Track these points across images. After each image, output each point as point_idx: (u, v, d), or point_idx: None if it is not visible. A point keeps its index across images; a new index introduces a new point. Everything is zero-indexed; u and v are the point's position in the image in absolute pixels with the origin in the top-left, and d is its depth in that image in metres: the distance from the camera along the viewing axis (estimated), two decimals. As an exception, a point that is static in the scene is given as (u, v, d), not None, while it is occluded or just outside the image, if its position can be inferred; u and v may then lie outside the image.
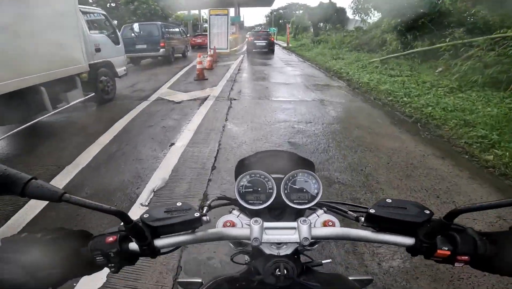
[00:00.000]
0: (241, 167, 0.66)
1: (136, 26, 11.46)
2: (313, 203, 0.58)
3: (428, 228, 0.44)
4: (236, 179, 0.60)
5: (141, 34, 11.25)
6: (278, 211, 0.60)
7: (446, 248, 0.43)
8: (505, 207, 0.37)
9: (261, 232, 0.46)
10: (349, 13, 21.92)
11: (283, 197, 0.58)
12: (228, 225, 0.54)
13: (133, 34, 11.16)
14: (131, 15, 19.97)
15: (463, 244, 0.43)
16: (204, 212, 0.55)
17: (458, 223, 0.44)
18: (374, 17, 17.87)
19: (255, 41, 16.38)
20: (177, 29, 13.99)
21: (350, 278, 0.62)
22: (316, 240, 0.59)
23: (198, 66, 7.97)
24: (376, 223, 0.47)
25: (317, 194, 0.58)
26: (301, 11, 43.94)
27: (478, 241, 0.43)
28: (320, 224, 0.55)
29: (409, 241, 0.46)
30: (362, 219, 0.50)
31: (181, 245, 0.48)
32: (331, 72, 9.37)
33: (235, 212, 0.57)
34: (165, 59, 11.90)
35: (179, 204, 0.48)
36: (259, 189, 0.59)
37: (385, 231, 0.47)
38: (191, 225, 0.47)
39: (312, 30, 28.71)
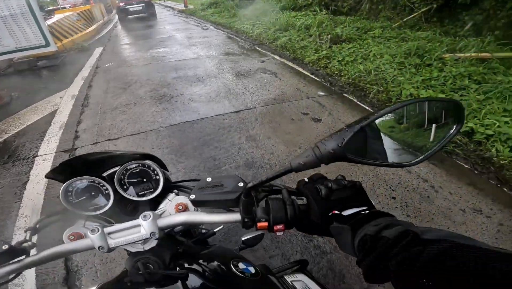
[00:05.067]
0: (59, 175, 0.54)
1: None
2: (158, 191, 0.56)
3: (241, 205, 0.44)
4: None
5: None
6: (130, 207, 0.57)
7: (263, 220, 0.42)
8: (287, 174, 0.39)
9: (104, 239, 0.44)
10: None
11: (123, 193, 0.55)
12: (72, 238, 0.49)
13: None
14: None
15: (276, 212, 0.42)
16: (28, 237, 0.50)
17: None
18: None
19: (127, 7, 11.45)
20: None
21: (243, 238, 0.78)
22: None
23: None
24: (201, 205, 0.48)
25: (159, 179, 0.56)
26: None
27: (288, 206, 0.42)
28: (173, 209, 0.53)
29: (236, 217, 0.45)
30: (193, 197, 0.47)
31: (9, 275, 0.45)
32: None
33: (80, 221, 0.52)
34: None
35: None
36: (93, 193, 0.54)
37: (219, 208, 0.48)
38: (10, 257, 0.45)
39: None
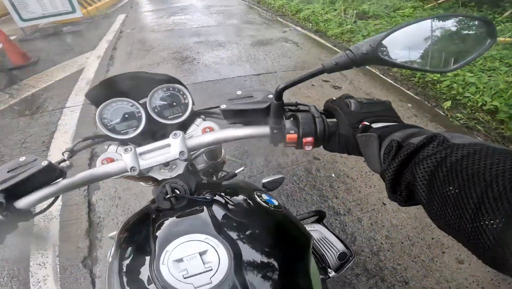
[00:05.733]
0: (96, 97, 0.54)
1: None
2: (187, 114, 0.55)
3: (271, 111, 0.42)
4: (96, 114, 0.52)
5: None
6: (160, 133, 0.56)
7: (292, 132, 0.41)
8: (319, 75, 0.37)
9: (136, 159, 0.43)
10: None
11: (154, 116, 0.54)
12: (106, 163, 0.49)
13: None
14: None
15: (305, 123, 0.41)
16: (66, 157, 0.49)
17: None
18: None
19: None
20: None
21: (263, 180, 0.81)
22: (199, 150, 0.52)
23: None
24: (231, 117, 0.46)
25: (188, 103, 0.55)
26: None
27: (317, 118, 0.41)
28: (200, 133, 0.53)
29: (265, 130, 0.44)
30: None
31: (47, 198, 0.43)
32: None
33: (112, 147, 0.53)
34: None
35: (22, 158, 0.43)
36: (126, 116, 0.53)
37: (247, 124, 0.46)
38: (49, 176, 0.43)
39: None
